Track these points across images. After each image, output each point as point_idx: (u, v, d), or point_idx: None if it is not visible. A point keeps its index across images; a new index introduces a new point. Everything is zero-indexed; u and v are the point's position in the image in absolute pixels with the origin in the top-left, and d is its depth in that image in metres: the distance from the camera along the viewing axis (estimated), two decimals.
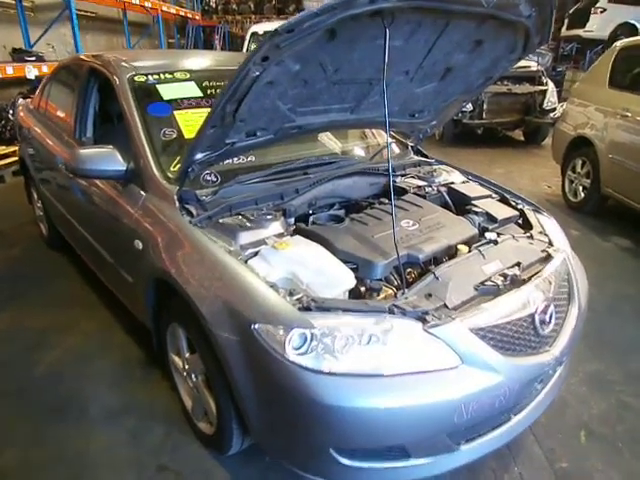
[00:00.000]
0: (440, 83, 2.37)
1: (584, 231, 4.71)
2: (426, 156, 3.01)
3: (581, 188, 5.16)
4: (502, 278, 1.83)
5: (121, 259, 2.45)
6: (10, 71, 6.36)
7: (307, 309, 1.56)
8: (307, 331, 1.51)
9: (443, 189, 2.52)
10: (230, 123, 1.80)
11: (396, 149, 3.01)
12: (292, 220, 2.13)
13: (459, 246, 1.97)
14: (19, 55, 7.20)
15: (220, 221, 1.96)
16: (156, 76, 2.63)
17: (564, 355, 1.84)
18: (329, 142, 3.04)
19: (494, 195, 2.59)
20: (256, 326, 1.55)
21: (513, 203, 2.53)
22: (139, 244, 2.13)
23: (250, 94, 1.63)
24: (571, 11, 12.98)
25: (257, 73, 1.52)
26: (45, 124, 3.61)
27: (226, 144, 1.94)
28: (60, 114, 3.43)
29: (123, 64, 2.69)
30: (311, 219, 2.10)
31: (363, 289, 1.80)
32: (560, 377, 1.99)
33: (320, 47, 1.60)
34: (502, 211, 2.36)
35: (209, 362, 1.80)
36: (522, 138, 8.91)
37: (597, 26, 11.85)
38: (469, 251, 1.94)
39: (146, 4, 10.83)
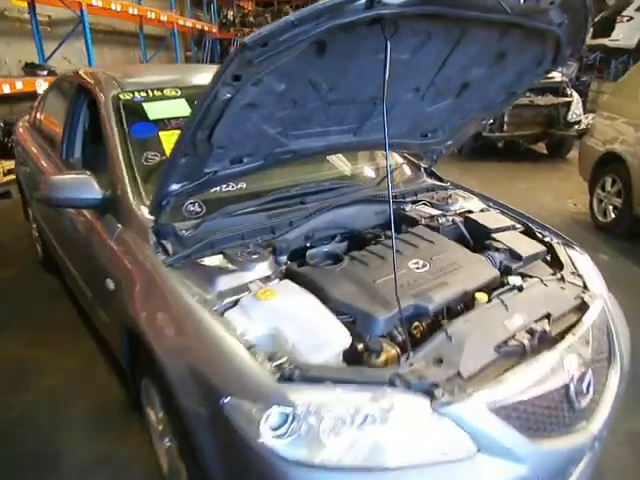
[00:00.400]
0: (455, 100, 2.09)
1: (614, 255, 4.34)
2: (441, 179, 2.72)
3: (611, 208, 4.78)
4: (529, 336, 1.53)
5: (97, 296, 2.22)
6: (20, 86, 6.28)
7: (289, 379, 1.28)
8: (288, 409, 1.23)
9: (459, 219, 2.23)
10: (207, 151, 1.55)
11: (407, 171, 2.73)
12: (284, 258, 1.86)
13: (477, 294, 1.67)
14: (31, 69, 7.15)
15: (199, 261, 1.71)
16: (144, 93, 2.40)
17: (604, 430, 1.52)
18: (336, 162, 2.77)
19: (517, 225, 2.28)
20: (226, 400, 1.28)
21: (540, 235, 2.22)
22: (111, 284, 1.89)
23: (225, 118, 1.38)
24: (596, 19, 12.55)
25: (229, 95, 1.27)
26: (38, 142, 3.43)
27: (206, 173, 1.69)
28: (51, 132, 3.25)
29: (109, 80, 2.48)
30: (307, 256, 1.83)
31: (361, 346, 1.51)
32: (596, 452, 1.67)
33: (308, 63, 1.34)
34: (527, 247, 2.06)
35: (178, 431, 1.54)
36: (545, 151, 8.52)
37: (623, 35, 11.42)
38: (489, 300, 1.64)
39: (162, 18, 10.79)
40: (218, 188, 2.07)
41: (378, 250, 1.88)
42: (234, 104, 1.33)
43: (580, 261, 2.07)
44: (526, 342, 1.50)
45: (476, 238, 2.16)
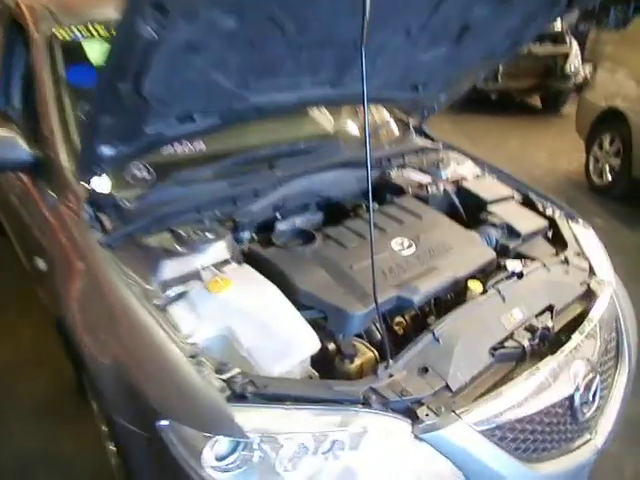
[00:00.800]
0: (453, 47, 1.76)
1: (609, 220, 4.13)
2: (432, 139, 2.42)
3: (608, 168, 4.53)
4: (529, 334, 1.31)
5: (33, 274, 1.93)
6: None
7: (241, 398, 1.04)
8: (238, 436, 1.00)
9: (451, 188, 1.95)
10: (141, 106, 1.22)
11: (394, 130, 2.41)
12: (246, 235, 1.59)
13: (470, 283, 1.42)
14: None
15: (143, 241, 1.42)
16: (86, 30, 2.01)
17: (608, 442, 1.34)
18: (317, 117, 2.44)
19: (516, 195, 2.02)
20: (163, 423, 1.04)
21: (540, 206, 1.97)
22: (42, 264, 1.60)
23: (156, 65, 1.06)
24: None
25: (153, 33, 0.94)
26: None
27: (147, 134, 1.37)
28: None
29: (43, 13, 2.07)
30: (274, 235, 1.55)
31: (332, 347, 1.28)
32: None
33: None
34: (527, 221, 1.81)
35: (115, 442, 1.31)
36: (539, 105, 8.15)
37: None
38: (484, 290, 1.40)
39: None
40: (172, 150, 1.76)
41: (358, 226, 1.61)
42: (165, 46, 1.01)
43: (585, 238, 1.83)
44: (526, 343, 1.27)
45: (470, 210, 1.90)
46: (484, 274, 1.51)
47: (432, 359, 1.18)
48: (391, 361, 1.14)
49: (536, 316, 1.38)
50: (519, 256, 1.68)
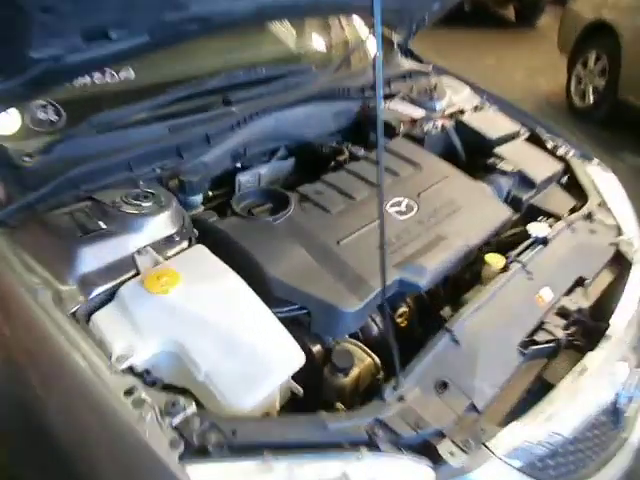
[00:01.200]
0: None
1: (590, 145, 3.90)
2: (419, 60, 2.01)
3: (591, 89, 4.24)
4: (562, 321, 1.05)
5: None
6: None
7: (202, 452, 0.74)
8: None
9: (449, 124, 1.60)
10: (17, 20, 0.78)
11: (373, 50, 1.97)
12: (197, 199, 1.21)
13: (489, 257, 1.12)
14: None
15: (52, 217, 1.02)
16: None
17: None
18: (279, 32, 1.96)
19: (522, 130, 1.70)
20: None
21: (550, 144, 1.66)
22: None
23: None
24: None
25: None
26: None
27: (36, 60, 0.93)
28: None
29: None
30: (234, 199, 1.17)
31: (318, 350, 0.98)
32: None
33: None
34: (541, 167, 1.50)
35: None
36: (513, 18, 7.61)
37: None
38: (504, 268, 1.11)
39: None
40: (88, 81, 1.30)
41: (342, 181, 1.26)
42: None
43: (605, 184, 1.55)
44: (560, 334, 1.01)
45: (471, 152, 1.57)
46: (500, 240, 1.22)
47: (452, 368, 0.91)
48: (402, 379, 0.86)
49: (567, 294, 1.12)
50: (534, 210, 1.40)
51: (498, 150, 1.51)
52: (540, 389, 0.96)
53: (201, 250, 1.02)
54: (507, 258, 1.12)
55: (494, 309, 1.01)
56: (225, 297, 0.92)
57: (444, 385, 0.88)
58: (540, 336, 1.01)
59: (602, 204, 1.44)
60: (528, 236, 1.21)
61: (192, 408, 0.78)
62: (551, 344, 1.00)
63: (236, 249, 1.02)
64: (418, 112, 1.65)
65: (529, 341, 1.00)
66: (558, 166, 1.54)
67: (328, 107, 1.59)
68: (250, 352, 0.86)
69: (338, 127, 1.65)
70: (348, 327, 0.98)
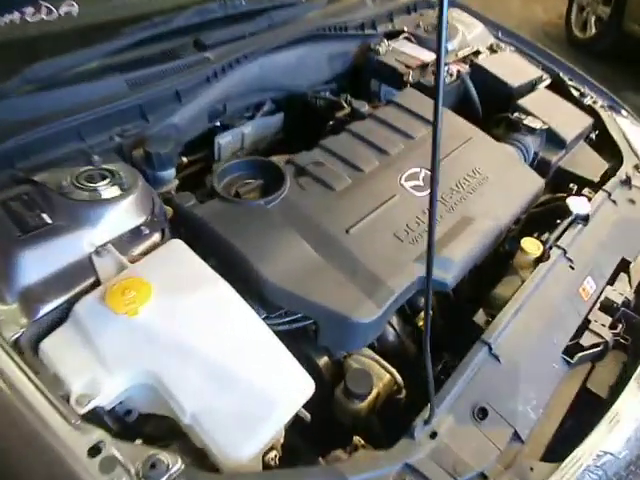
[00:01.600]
0: None
1: None
2: None
3: (594, 19, 3.92)
4: (608, 318, 0.90)
5: None
6: None
7: None
8: None
9: (464, 69, 1.36)
10: None
11: None
12: (168, 173, 0.98)
13: (525, 243, 0.94)
14: None
15: None
16: None
17: None
18: None
19: (544, 75, 1.47)
20: None
21: (575, 91, 1.45)
22: None
23: None
24: None
25: None
26: None
27: None
28: None
29: None
30: (215, 176, 0.94)
31: (326, 365, 0.82)
32: None
33: None
34: (569, 120, 1.30)
35: None
36: None
37: None
38: (543, 254, 0.93)
39: None
40: (17, 17, 1.01)
41: (344, 146, 1.03)
42: None
43: (637, 139, 1.37)
44: (609, 335, 0.87)
45: (490, 102, 1.35)
46: (532, 216, 1.04)
47: (490, 390, 0.76)
48: (436, 408, 0.70)
49: (610, 283, 0.96)
50: (563, 175, 1.21)
51: (522, 102, 1.29)
52: (585, 402, 0.82)
53: (178, 247, 0.81)
54: (544, 243, 0.94)
55: (535, 310, 0.85)
56: (212, 313, 0.73)
57: (483, 412, 0.73)
58: (586, 339, 0.86)
59: (638, 166, 1.26)
60: (562, 210, 1.03)
61: (177, 465, 0.61)
62: (598, 348, 0.85)
63: (220, 244, 0.82)
64: (427, 55, 1.40)
65: (574, 345, 0.85)
66: (587, 120, 1.34)
67: (321, 49, 1.33)
68: (247, 384, 0.69)
69: (333, 74, 1.40)
70: (363, 340, 0.80)
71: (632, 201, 1.15)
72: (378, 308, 0.78)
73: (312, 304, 0.78)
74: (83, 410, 0.65)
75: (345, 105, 1.29)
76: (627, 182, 1.18)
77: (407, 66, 1.34)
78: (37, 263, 0.75)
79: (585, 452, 0.72)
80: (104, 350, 0.69)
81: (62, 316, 0.73)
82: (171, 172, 0.99)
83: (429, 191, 0.97)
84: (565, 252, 0.94)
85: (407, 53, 1.40)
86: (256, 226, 0.85)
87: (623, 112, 1.47)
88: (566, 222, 1.00)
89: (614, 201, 1.10)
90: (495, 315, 0.82)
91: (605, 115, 1.39)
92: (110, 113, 0.95)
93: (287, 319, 0.79)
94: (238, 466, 0.64)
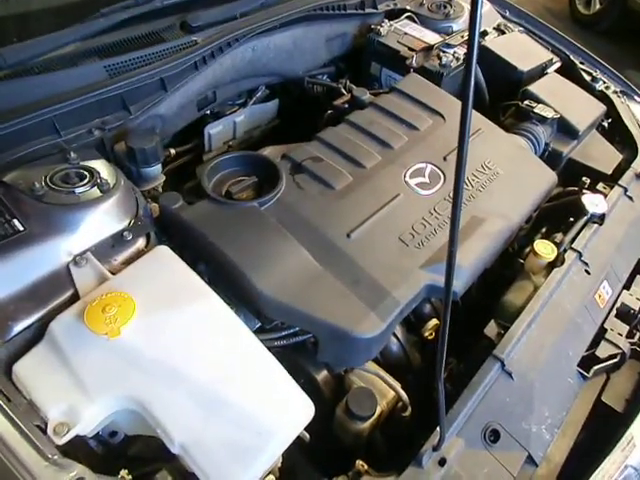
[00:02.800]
0: None
1: None
2: None
3: None
4: (625, 326, 0.84)
5: None
6: None
7: None
8: None
9: (461, 52, 1.27)
10: None
11: None
12: (154, 169, 0.91)
13: (538, 246, 0.88)
14: None
15: None
16: None
17: None
18: None
19: (554, 58, 1.39)
20: None
21: (587, 75, 1.37)
22: None
23: None
24: None
25: None
26: None
27: None
28: None
29: None
30: (207, 169, 0.86)
31: (323, 379, 0.77)
32: None
33: None
34: (581, 108, 1.22)
35: None
36: None
37: None
38: (557, 258, 0.87)
39: None
40: None
41: (344, 139, 0.96)
42: None
43: None
44: (624, 344, 0.81)
45: (497, 87, 1.27)
46: (543, 212, 0.98)
47: (502, 409, 0.70)
48: (444, 440, 0.64)
49: (626, 286, 0.90)
50: (575, 166, 1.15)
51: (532, 88, 1.21)
52: (600, 416, 0.78)
53: (163, 255, 0.74)
54: (558, 245, 0.88)
55: (549, 321, 0.80)
56: (202, 331, 0.67)
57: (495, 434, 0.68)
58: (602, 350, 0.81)
59: None
60: (576, 207, 0.96)
61: None
62: (615, 360, 0.80)
63: (210, 250, 0.75)
64: (430, 36, 1.31)
65: (590, 357, 0.79)
66: (600, 108, 1.26)
67: (318, 30, 1.24)
68: (240, 410, 0.63)
69: (331, 56, 1.31)
70: (367, 355, 0.75)
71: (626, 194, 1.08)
72: (382, 322, 0.72)
73: (311, 318, 0.71)
74: (61, 441, 0.59)
75: (344, 92, 1.21)
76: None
77: (410, 49, 1.25)
78: (8, 276, 0.68)
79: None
80: (83, 374, 0.63)
81: (37, 335, 0.66)
82: (157, 168, 0.91)
83: (436, 188, 0.91)
84: (580, 255, 0.88)
85: (410, 34, 1.31)
86: (249, 231, 0.78)
87: (637, 98, 1.39)
88: (581, 222, 0.93)
89: (630, 197, 1.04)
90: (507, 327, 0.77)
91: (618, 102, 1.32)
92: (88, 103, 0.87)
93: (284, 334, 0.74)
94: None
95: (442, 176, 0.93)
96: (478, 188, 0.93)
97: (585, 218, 0.94)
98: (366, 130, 0.98)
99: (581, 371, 0.78)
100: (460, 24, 1.38)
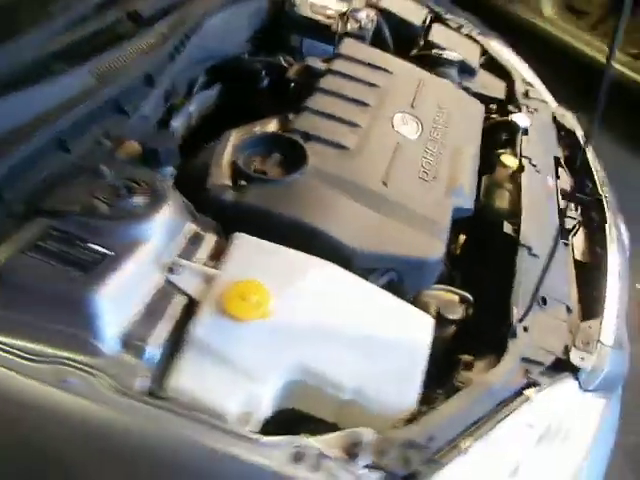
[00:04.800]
0: None
1: None
2: None
3: None
4: (571, 204, 1.13)
5: None
6: None
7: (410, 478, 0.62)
8: None
9: (373, 15, 1.42)
10: None
11: None
12: (172, 170, 0.88)
13: (504, 158, 1.10)
14: None
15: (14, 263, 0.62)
16: None
17: None
18: None
19: (426, 10, 1.62)
20: None
21: (453, 23, 1.64)
22: None
23: None
24: None
25: None
26: None
27: None
28: None
29: None
30: (242, 161, 0.87)
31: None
32: None
33: None
34: (468, 50, 1.49)
35: None
36: None
37: None
38: (520, 166, 1.10)
39: None
40: None
41: (330, 106, 1.04)
42: None
43: (510, 57, 1.62)
44: (579, 217, 1.09)
45: (400, 42, 1.46)
46: (492, 136, 1.21)
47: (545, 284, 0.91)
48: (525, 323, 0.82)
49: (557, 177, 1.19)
50: (480, 98, 1.40)
51: (433, 39, 1.43)
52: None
53: (247, 240, 0.76)
54: (515, 156, 1.12)
55: (537, 213, 1.03)
56: (327, 290, 0.73)
57: (544, 301, 0.89)
58: (568, 224, 1.07)
59: (524, 80, 1.52)
60: (507, 126, 1.22)
61: (369, 434, 0.63)
62: (577, 228, 1.08)
63: (286, 225, 0.79)
64: (334, 3, 1.42)
65: (564, 230, 1.05)
66: (478, 48, 1.54)
67: (241, 7, 1.26)
68: (384, 343, 0.72)
69: (252, 33, 1.34)
70: (435, 274, 0.89)
71: (535, 109, 1.39)
72: (442, 243, 0.87)
73: (392, 256, 0.82)
74: (252, 427, 0.62)
75: (284, 64, 1.27)
76: (526, 94, 1.43)
77: (327, 17, 1.36)
78: (118, 300, 0.64)
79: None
80: (244, 362, 0.65)
81: (173, 349, 0.65)
82: (171, 168, 0.89)
83: (419, 131, 1.06)
84: (530, 160, 1.14)
85: (316, 4, 1.40)
86: (307, 199, 0.84)
87: (493, 37, 1.72)
88: (519, 136, 1.19)
89: (531, 111, 1.33)
90: (518, 223, 0.97)
91: (485, 41, 1.62)
92: (87, 113, 0.80)
93: (371, 276, 0.83)
94: (412, 414, 0.69)
95: (416, 121, 1.09)
96: (444, 126, 1.12)
97: (520, 132, 1.20)
98: (340, 94, 1.08)
99: (565, 241, 1.04)
100: None
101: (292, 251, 0.75)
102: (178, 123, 1.11)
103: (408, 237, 0.85)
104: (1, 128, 0.71)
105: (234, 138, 0.97)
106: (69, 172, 0.75)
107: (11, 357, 0.58)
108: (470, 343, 0.86)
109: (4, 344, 0.59)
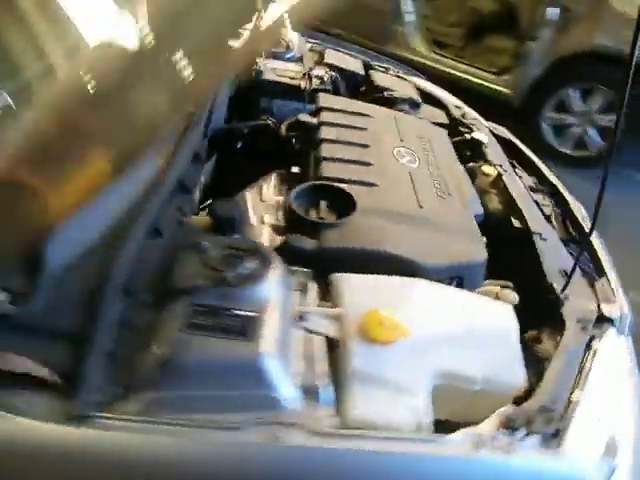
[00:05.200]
0: None
1: None
2: None
3: None
4: (539, 195, 1.36)
5: None
6: None
7: (554, 436, 0.73)
8: None
9: (327, 70, 1.59)
10: None
11: None
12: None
13: (485, 168, 1.31)
14: None
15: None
16: None
17: None
18: None
19: (359, 57, 1.84)
20: None
21: (381, 68, 1.88)
22: None
23: None
24: None
25: None
26: None
27: None
28: None
29: None
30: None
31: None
32: None
33: None
34: (405, 88, 1.71)
35: None
36: None
37: None
38: (498, 174, 1.32)
39: None
40: None
41: (338, 151, 1.17)
42: None
43: (433, 88, 1.89)
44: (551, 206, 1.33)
45: (349, 90, 1.65)
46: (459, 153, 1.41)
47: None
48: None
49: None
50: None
51: (378, 83, 1.63)
52: None
53: (349, 277, 0.85)
54: (490, 165, 1.34)
55: (529, 205, 1.23)
56: (431, 303, 0.84)
57: (565, 272, 1.08)
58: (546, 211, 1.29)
59: (455, 105, 1.78)
60: (472, 143, 1.44)
61: (512, 412, 0.74)
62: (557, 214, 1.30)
63: (369, 258, 0.89)
64: (292, 65, 1.57)
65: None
66: (411, 85, 1.78)
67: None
68: (484, 334, 0.85)
69: (227, 101, 1.43)
70: (484, 272, 1.03)
71: (477, 128, 1.65)
72: (483, 246, 1.02)
73: (456, 265, 0.95)
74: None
75: (270, 124, 1.37)
76: (463, 116, 1.68)
77: (291, 78, 1.49)
78: (281, 353, 0.68)
79: None
80: (399, 379, 0.72)
81: (335, 385, 0.70)
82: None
83: (417, 160, 1.23)
84: (501, 166, 1.36)
85: (278, 68, 1.54)
86: (370, 233, 0.95)
87: (414, 74, 1.98)
88: (485, 148, 1.41)
89: (479, 128, 1.58)
90: (522, 217, 1.17)
91: (411, 79, 1.87)
92: (163, 199, 0.83)
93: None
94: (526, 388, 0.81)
95: (411, 152, 1.25)
96: (431, 153, 1.30)
97: (484, 146, 1.42)
98: (343, 141, 1.21)
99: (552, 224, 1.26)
100: (295, 52, 1.68)
101: (387, 277, 0.85)
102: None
103: (459, 246, 0.99)
104: (104, 226, 0.72)
105: (251, 198, 1.05)
106: (169, 254, 0.77)
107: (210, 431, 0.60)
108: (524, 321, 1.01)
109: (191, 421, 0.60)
